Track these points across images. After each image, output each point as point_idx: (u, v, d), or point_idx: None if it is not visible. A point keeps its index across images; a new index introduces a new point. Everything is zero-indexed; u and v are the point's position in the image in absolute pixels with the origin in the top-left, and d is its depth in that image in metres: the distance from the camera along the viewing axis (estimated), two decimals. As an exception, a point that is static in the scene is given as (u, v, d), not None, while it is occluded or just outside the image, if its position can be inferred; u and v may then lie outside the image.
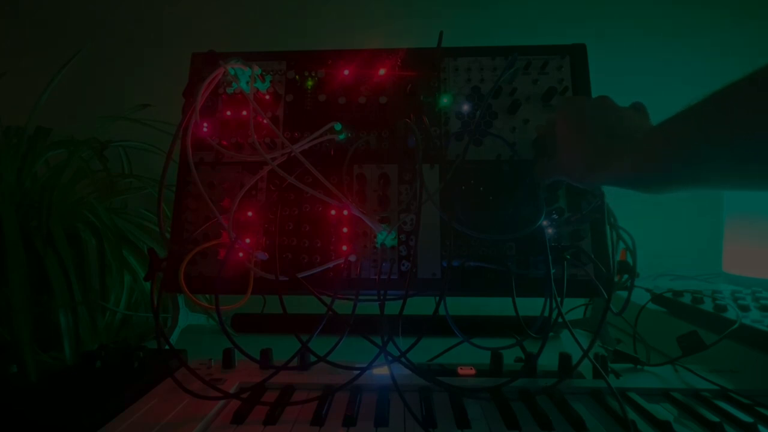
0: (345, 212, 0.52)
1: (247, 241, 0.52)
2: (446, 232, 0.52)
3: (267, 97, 0.58)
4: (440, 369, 0.50)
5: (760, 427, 0.38)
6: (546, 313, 0.46)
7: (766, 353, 0.49)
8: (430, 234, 0.52)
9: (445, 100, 0.56)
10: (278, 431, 0.38)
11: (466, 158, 0.54)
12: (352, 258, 0.52)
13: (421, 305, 0.48)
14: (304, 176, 0.51)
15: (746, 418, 0.39)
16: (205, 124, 0.55)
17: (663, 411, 0.41)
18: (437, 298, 0.46)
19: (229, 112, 0.57)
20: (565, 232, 0.51)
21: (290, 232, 0.53)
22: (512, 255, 0.51)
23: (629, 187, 0.38)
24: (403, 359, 0.44)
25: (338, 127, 0.55)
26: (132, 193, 0.89)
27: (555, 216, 0.51)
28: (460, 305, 0.51)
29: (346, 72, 0.57)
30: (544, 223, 0.48)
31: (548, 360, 0.47)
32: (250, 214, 0.53)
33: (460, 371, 0.49)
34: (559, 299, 0.46)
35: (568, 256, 0.48)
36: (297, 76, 0.58)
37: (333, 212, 0.53)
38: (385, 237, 0.51)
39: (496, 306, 0.60)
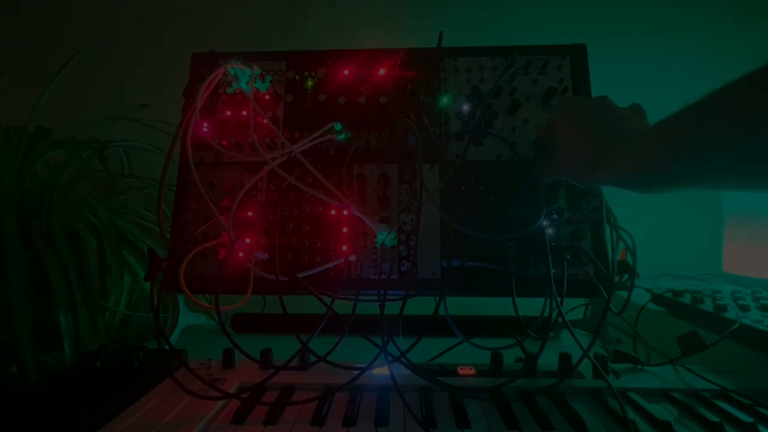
0: (345, 212, 0.52)
1: (247, 241, 0.52)
2: (446, 232, 0.52)
3: (267, 97, 0.58)
4: (440, 369, 0.50)
5: (760, 427, 0.38)
6: (546, 313, 0.46)
7: (766, 353, 0.49)
8: (430, 234, 0.52)
9: (445, 100, 0.56)
10: (278, 431, 0.38)
11: (466, 158, 0.53)
12: (352, 258, 0.52)
13: (421, 305, 0.48)
14: (304, 176, 0.51)
15: (746, 418, 0.39)
16: (205, 124, 0.55)
17: (663, 411, 0.41)
18: (437, 298, 0.46)
19: (229, 112, 0.57)
20: (565, 232, 0.51)
21: (290, 232, 0.53)
22: (512, 255, 0.51)
23: (629, 187, 0.38)
24: (403, 359, 0.44)
25: (338, 127, 0.55)
26: (132, 193, 0.89)
27: (555, 216, 0.51)
28: (460, 305, 0.51)
29: (346, 72, 0.57)
30: (544, 223, 0.48)
31: (548, 360, 0.47)
32: (250, 214, 0.53)
33: (460, 371, 0.49)
34: (559, 299, 0.46)
35: (568, 256, 0.48)
36: (297, 76, 0.58)
37: (333, 212, 0.53)
38: (385, 237, 0.51)
39: (496, 306, 0.60)
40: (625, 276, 0.49)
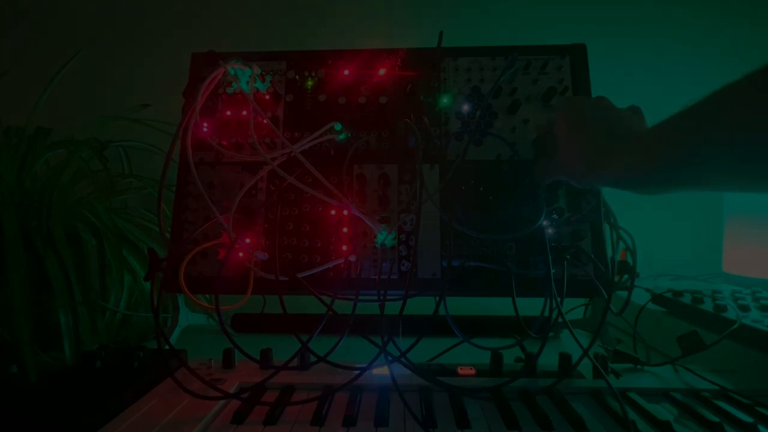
0: (345, 212, 0.52)
1: (247, 241, 0.52)
2: (446, 232, 0.52)
3: (267, 97, 0.58)
4: (440, 369, 0.50)
5: (760, 427, 0.38)
6: (546, 313, 0.46)
7: (766, 353, 0.49)
8: (430, 234, 0.52)
9: (445, 100, 0.56)
10: (278, 431, 0.38)
11: (466, 158, 0.54)
12: (352, 258, 0.52)
13: (421, 305, 0.48)
14: (304, 176, 0.51)
15: (746, 418, 0.39)
16: (205, 124, 0.55)
17: (663, 411, 0.41)
18: (437, 298, 0.46)
19: (229, 112, 0.57)
20: (565, 232, 0.51)
21: (290, 232, 0.53)
22: (512, 255, 0.51)
23: (629, 187, 0.38)
24: (403, 359, 0.44)
25: (338, 127, 0.55)
26: (132, 193, 0.89)
27: (555, 216, 0.51)
28: (460, 305, 0.51)
29: (346, 72, 0.57)
30: (544, 223, 0.48)
31: (548, 360, 0.47)
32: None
33: (460, 371, 0.49)
34: (559, 299, 0.46)
35: (568, 256, 0.48)
36: (297, 76, 0.58)
37: (333, 212, 0.53)
38: (385, 237, 0.51)
39: (496, 306, 0.60)
40: (625, 276, 0.49)
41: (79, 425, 0.37)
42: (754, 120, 0.27)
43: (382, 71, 0.57)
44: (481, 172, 0.54)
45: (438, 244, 0.52)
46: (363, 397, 0.44)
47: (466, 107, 0.56)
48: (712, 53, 0.97)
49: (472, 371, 0.49)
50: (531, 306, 0.48)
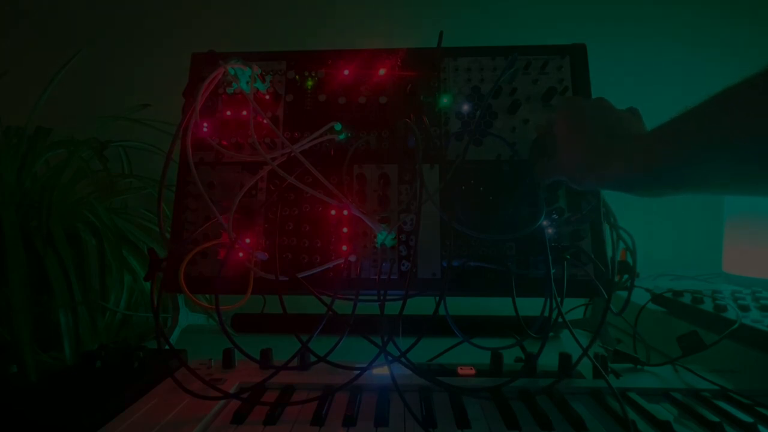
0: (345, 212, 0.52)
1: (247, 241, 0.52)
2: (446, 232, 0.52)
3: (267, 97, 0.58)
4: (440, 369, 0.50)
5: (760, 427, 0.38)
6: (546, 313, 0.46)
7: (766, 353, 0.49)
8: (430, 234, 0.52)
9: (445, 100, 0.56)
10: (278, 431, 0.38)
11: (466, 158, 0.53)
12: (352, 258, 0.52)
13: (421, 305, 0.48)
14: (304, 176, 0.51)
15: (746, 418, 0.39)
16: (205, 124, 0.55)
17: (663, 411, 0.41)
18: (437, 298, 0.46)
19: (229, 112, 0.57)
20: (565, 232, 0.51)
21: (290, 232, 0.53)
22: (512, 255, 0.51)
23: (630, 189, 0.38)
24: (403, 359, 0.44)
25: (338, 127, 0.55)
26: (132, 193, 0.89)
27: (555, 216, 0.51)
28: (460, 305, 0.51)
29: (346, 72, 0.57)
30: (544, 223, 0.48)
31: (548, 360, 0.47)
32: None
33: (460, 371, 0.49)
34: (559, 299, 0.46)
35: (568, 256, 0.48)
36: (297, 76, 0.58)
37: (333, 212, 0.53)
38: (385, 237, 0.51)
39: (496, 306, 0.60)
40: (625, 276, 0.49)
41: (79, 425, 0.37)
42: (755, 123, 0.27)
43: (382, 71, 0.57)
44: (481, 172, 0.54)
45: (438, 244, 0.52)
46: (363, 397, 0.44)
47: (466, 107, 0.56)
48: (712, 53, 0.97)
49: (472, 371, 0.49)
50: (531, 306, 0.48)
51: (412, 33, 1.02)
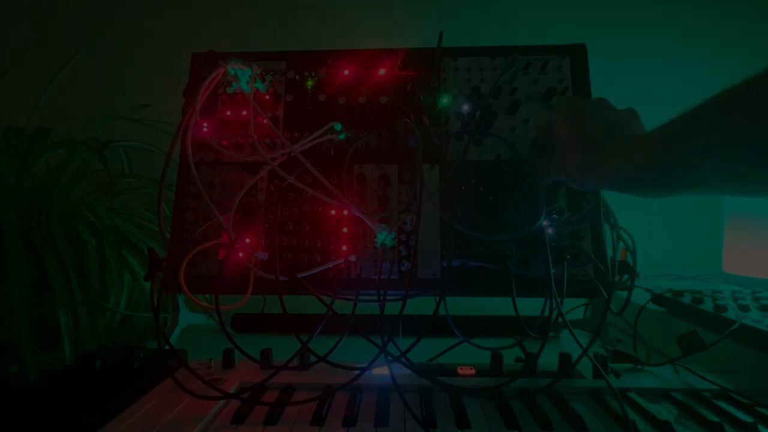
0: (345, 212, 0.52)
1: (247, 241, 0.52)
2: (446, 232, 0.52)
3: (267, 97, 0.58)
4: (440, 369, 0.50)
5: (760, 427, 0.38)
6: (546, 313, 0.46)
7: (766, 353, 0.49)
8: (430, 234, 0.52)
9: (445, 100, 0.56)
10: (278, 431, 0.38)
11: (466, 158, 0.53)
12: (352, 258, 0.52)
13: (421, 305, 0.48)
14: (304, 176, 0.51)
15: (746, 418, 0.39)
16: (205, 124, 0.55)
17: (663, 411, 0.41)
18: (437, 298, 0.46)
19: (229, 112, 0.57)
20: (565, 232, 0.51)
21: (290, 232, 0.53)
22: (512, 255, 0.51)
23: (629, 189, 0.38)
24: (403, 359, 0.44)
25: (338, 127, 0.55)
26: (132, 193, 0.89)
27: (555, 216, 0.51)
28: (460, 305, 0.51)
29: (346, 72, 0.57)
30: (544, 223, 0.48)
31: (548, 360, 0.47)
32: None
33: (460, 371, 0.49)
34: (559, 299, 0.46)
35: (568, 256, 0.48)
36: (297, 76, 0.58)
37: (333, 212, 0.53)
38: (385, 237, 0.51)
39: (496, 306, 0.60)
40: (625, 276, 0.49)
41: (79, 425, 0.37)
42: (753, 124, 0.27)
43: (382, 71, 0.57)
44: (481, 172, 0.54)
45: (438, 244, 0.52)
46: (363, 397, 0.44)
47: (466, 107, 0.56)
48: (712, 53, 0.97)
49: (472, 371, 0.49)
50: (531, 306, 0.48)
51: (412, 33, 1.02)
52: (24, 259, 0.60)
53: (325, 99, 0.57)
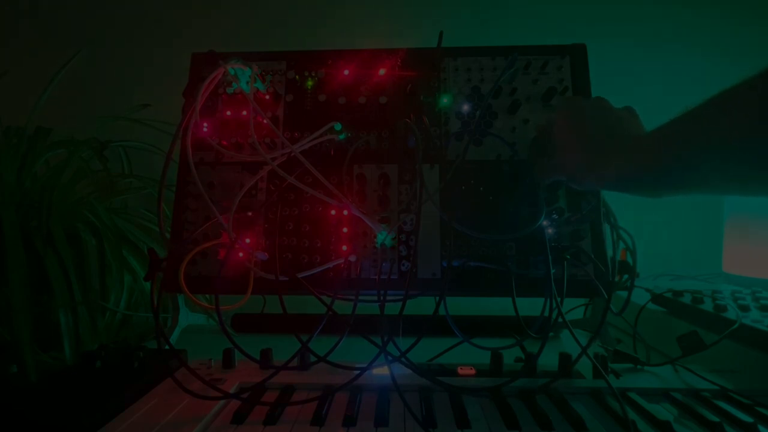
0: (345, 212, 0.52)
1: (247, 241, 0.52)
2: (446, 232, 0.52)
3: (267, 97, 0.58)
4: (440, 369, 0.50)
5: (760, 427, 0.38)
6: (546, 313, 0.46)
7: (766, 353, 0.49)
8: (430, 234, 0.52)
9: (445, 100, 0.56)
10: (278, 431, 0.38)
11: (466, 158, 0.53)
12: (352, 258, 0.52)
13: (421, 305, 0.48)
14: (304, 176, 0.51)
15: (746, 418, 0.39)
16: (205, 124, 0.55)
17: (663, 411, 0.41)
18: (437, 298, 0.46)
19: (229, 112, 0.57)
20: (565, 232, 0.51)
21: (290, 232, 0.53)
22: (512, 255, 0.51)
23: (629, 189, 0.38)
24: (403, 359, 0.44)
25: (338, 127, 0.55)
26: (132, 193, 0.89)
27: (555, 216, 0.51)
28: (460, 305, 0.51)
29: (346, 72, 0.57)
30: (544, 223, 0.48)
31: (548, 360, 0.47)
32: (249, 213, 0.53)
33: (460, 371, 0.49)
34: (559, 299, 0.46)
35: (568, 256, 0.48)
36: (297, 76, 0.58)
37: (333, 212, 0.53)
38: (385, 237, 0.51)
39: (496, 306, 0.60)
40: (625, 276, 0.49)
41: (79, 425, 0.37)
42: (753, 124, 0.27)
43: (382, 71, 0.57)
44: (481, 172, 0.54)
45: (438, 244, 0.52)
46: (363, 397, 0.44)
47: (466, 107, 0.56)
48: (712, 54, 0.97)
49: (472, 371, 0.49)
50: (531, 306, 0.48)
51: (412, 33, 1.02)
52: (24, 259, 0.60)
53: (325, 99, 0.57)
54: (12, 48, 1.07)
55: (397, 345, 0.44)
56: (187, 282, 0.50)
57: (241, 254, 0.50)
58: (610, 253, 0.50)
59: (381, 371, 0.46)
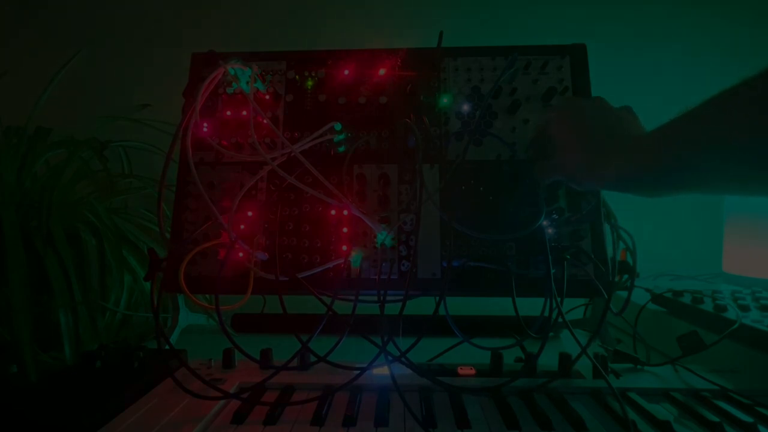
0: (345, 212, 0.52)
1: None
2: (446, 232, 0.52)
3: (267, 97, 0.58)
4: (440, 369, 0.50)
5: (760, 427, 0.38)
6: (546, 313, 0.46)
7: (766, 353, 0.49)
8: (430, 234, 0.52)
9: (445, 100, 0.56)
10: (278, 431, 0.38)
11: (466, 158, 0.53)
12: (353, 256, 0.51)
13: (421, 305, 0.48)
14: (304, 176, 0.51)
15: (746, 418, 0.39)
16: (205, 124, 0.55)
17: (663, 411, 0.41)
18: (437, 298, 0.46)
19: (229, 112, 0.57)
20: (565, 232, 0.51)
21: (290, 232, 0.53)
22: (512, 255, 0.51)
23: (629, 189, 0.38)
24: (403, 359, 0.44)
25: (338, 127, 0.55)
26: (132, 193, 0.89)
27: (555, 216, 0.51)
28: (460, 305, 0.51)
29: (346, 72, 0.57)
30: (544, 223, 0.48)
31: (548, 360, 0.47)
32: (250, 213, 0.53)
33: (460, 371, 0.49)
34: (559, 299, 0.46)
35: (568, 256, 0.48)
36: (297, 76, 0.58)
37: (333, 212, 0.53)
38: (385, 237, 0.51)
39: (496, 306, 0.60)
40: (625, 276, 0.49)
41: (79, 425, 0.37)
42: (754, 124, 0.27)
43: (382, 71, 0.57)
44: (481, 172, 0.54)
45: (438, 244, 0.52)
46: (363, 397, 0.44)
47: (466, 107, 0.56)
48: (712, 54, 0.97)
49: (472, 371, 0.49)
50: (531, 306, 0.48)
51: (412, 33, 1.02)
52: (24, 259, 0.60)
53: (325, 99, 0.57)
54: (12, 48, 1.07)
55: (397, 345, 0.44)
56: (187, 282, 0.49)
57: (241, 254, 0.50)
58: (610, 253, 0.50)
59: (381, 371, 0.46)
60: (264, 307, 0.59)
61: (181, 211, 0.55)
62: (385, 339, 0.44)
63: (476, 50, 0.58)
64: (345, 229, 0.52)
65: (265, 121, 0.51)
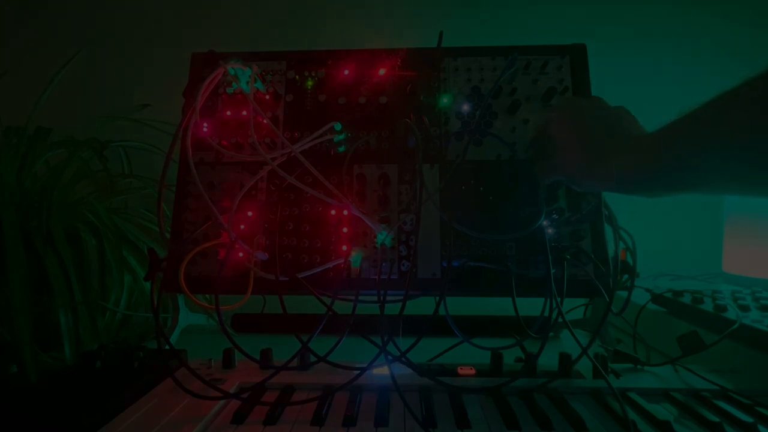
0: (345, 212, 0.52)
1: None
2: (446, 232, 0.52)
3: (267, 97, 0.58)
4: (440, 369, 0.50)
5: (760, 427, 0.38)
6: (546, 313, 0.46)
7: (766, 353, 0.49)
8: (430, 234, 0.52)
9: (445, 100, 0.56)
10: (278, 431, 0.38)
11: (466, 158, 0.53)
12: (353, 256, 0.51)
13: (421, 305, 0.48)
14: (304, 176, 0.51)
15: (746, 418, 0.39)
16: (205, 124, 0.55)
17: (663, 411, 0.41)
18: (437, 298, 0.46)
19: (229, 112, 0.57)
20: (565, 232, 0.51)
21: (290, 232, 0.53)
22: (512, 255, 0.51)
23: (629, 189, 0.38)
24: (403, 359, 0.44)
25: (338, 127, 0.55)
26: (132, 193, 0.89)
27: (555, 216, 0.51)
28: (460, 305, 0.51)
29: (346, 72, 0.57)
30: (544, 223, 0.48)
31: (548, 360, 0.47)
32: (250, 213, 0.53)
33: (460, 371, 0.49)
34: (559, 299, 0.46)
35: (568, 256, 0.48)
36: (297, 76, 0.58)
37: (333, 212, 0.53)
38: (385, 237, 0.51)
39: (496, 306, 0.60)
40: (625, 276, 0.49)
41: (79, 425, 0.37)
42: (754, 124, 0.27)
43: (382, 71, 0.57)
44: (481, 172, 0.54)
45: (438, 244, 0.52)
46: (363, 397, 0.44)
47: (466, 107, 0.56)
48: (712, 54, 0.97)
49: (472, 371, 0.49)
50: (531, 306, 0.48)
51: (412, 33, 1.02)
52: (24, 259, 0.60)
53: (325, 99, 0.57)
54: (12, 48, 1.07)
55: (397, 345, 0.44)
56: (187, 282, 0.49)
57: (241, 254, 0.50)
58: (610, 253, 0.50)
59: (381, 371, 0.46)
60: (264, 307, 0.59)
61: (181, 211, 0.55)
62: (385, 339, 0.44)
63: (476, 50, 0.58)
64: (345, 229, 0.52)
65: (265, 121, 0.51)
